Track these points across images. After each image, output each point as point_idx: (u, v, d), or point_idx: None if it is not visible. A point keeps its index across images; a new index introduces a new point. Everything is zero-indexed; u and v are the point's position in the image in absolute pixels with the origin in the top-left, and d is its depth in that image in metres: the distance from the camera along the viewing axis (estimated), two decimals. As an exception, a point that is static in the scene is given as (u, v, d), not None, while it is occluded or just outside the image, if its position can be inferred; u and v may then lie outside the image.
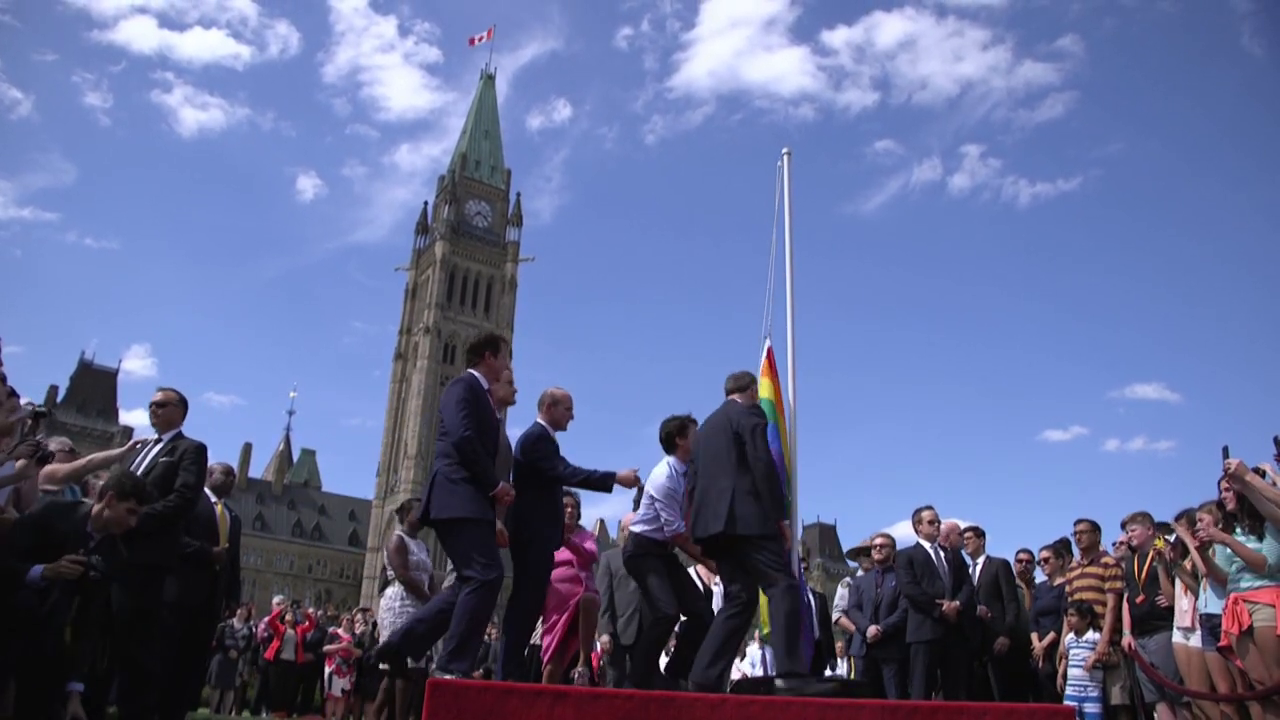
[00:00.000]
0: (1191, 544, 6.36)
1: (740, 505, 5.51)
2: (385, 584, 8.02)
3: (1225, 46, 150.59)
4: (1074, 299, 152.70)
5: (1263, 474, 5.68)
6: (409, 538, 7.93)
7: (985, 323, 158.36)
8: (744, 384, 6.13)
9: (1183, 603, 6.56)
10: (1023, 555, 9.38)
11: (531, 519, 5.60)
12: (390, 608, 7.75)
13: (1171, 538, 6.81)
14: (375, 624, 18.22)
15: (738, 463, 5.62)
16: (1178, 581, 6.63)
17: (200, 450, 6.26)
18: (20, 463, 5.29)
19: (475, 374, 5.56)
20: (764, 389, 6.68)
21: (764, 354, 6.68)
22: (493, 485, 5.24)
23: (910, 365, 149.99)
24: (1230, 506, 5.91)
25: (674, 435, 6.18)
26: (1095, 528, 8.09)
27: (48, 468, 5.71)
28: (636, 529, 6.12)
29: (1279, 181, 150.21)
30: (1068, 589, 8.02)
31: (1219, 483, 6.18)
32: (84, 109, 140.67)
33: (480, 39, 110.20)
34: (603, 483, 5.81)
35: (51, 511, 5.21)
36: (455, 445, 5.24)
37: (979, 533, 9.06)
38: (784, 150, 7.09)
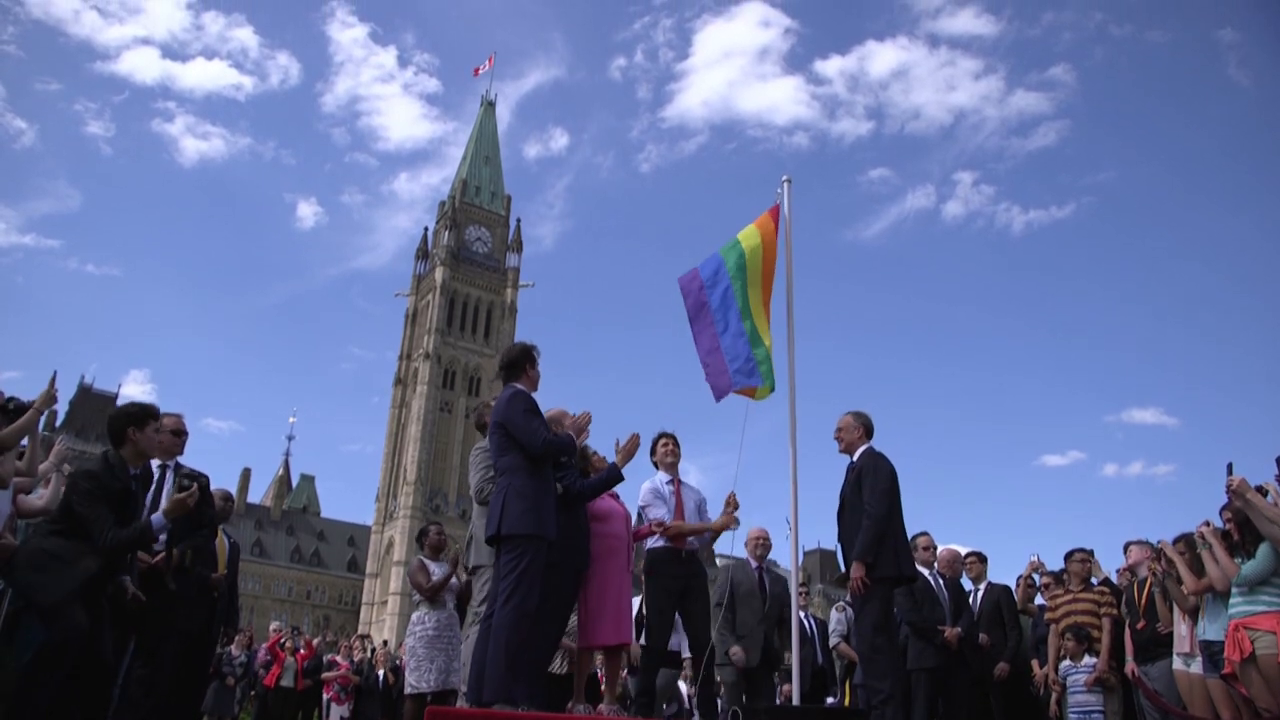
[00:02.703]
0: (1178, 560, 6.36)
1: None
2: (414, 609, 8.05)
3: (1213, 76, 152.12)
4: (1069, 324, 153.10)
5: (1265, 494, 5.66)
6: (430, 561, 7.94)
7: (981, 348, 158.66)
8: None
9: (1180, 628, 6.53)
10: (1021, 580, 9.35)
11: (556, 540, 5.55)
12: (412, 631, 7.76)
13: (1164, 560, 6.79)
14: (373, 650, 18.13)
15: None
16: (1174, 608, 6.60)
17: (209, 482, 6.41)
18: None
19: (521, 387, 5.55)
20: (748, 235, 6.81)
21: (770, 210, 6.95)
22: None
23: (907, 391, 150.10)
24: (1236, 537, 5.89)
25: (650, 455, 6.68)
26: (1089, 556, 8.07)
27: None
28: (648, 545, 6.39)
29: (1270, 205, 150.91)
30: (1050, 614, 7.99)
31: (1221, 511, 6.16)
32: (86, 138, 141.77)
33: (482, 68, 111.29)
34: (616, 476, 5.85)
35: (97, 475, 5.14)
36: (539, 452, 5.21)
37: (981, 558, 9.02)
38: (784, 178, 7.12)
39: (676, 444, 6.75)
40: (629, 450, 5.78)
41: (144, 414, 5.42)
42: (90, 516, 4.88)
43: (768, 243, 6.85)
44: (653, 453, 6.67)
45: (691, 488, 6.66)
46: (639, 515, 6.47)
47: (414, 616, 7.88)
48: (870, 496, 6.05)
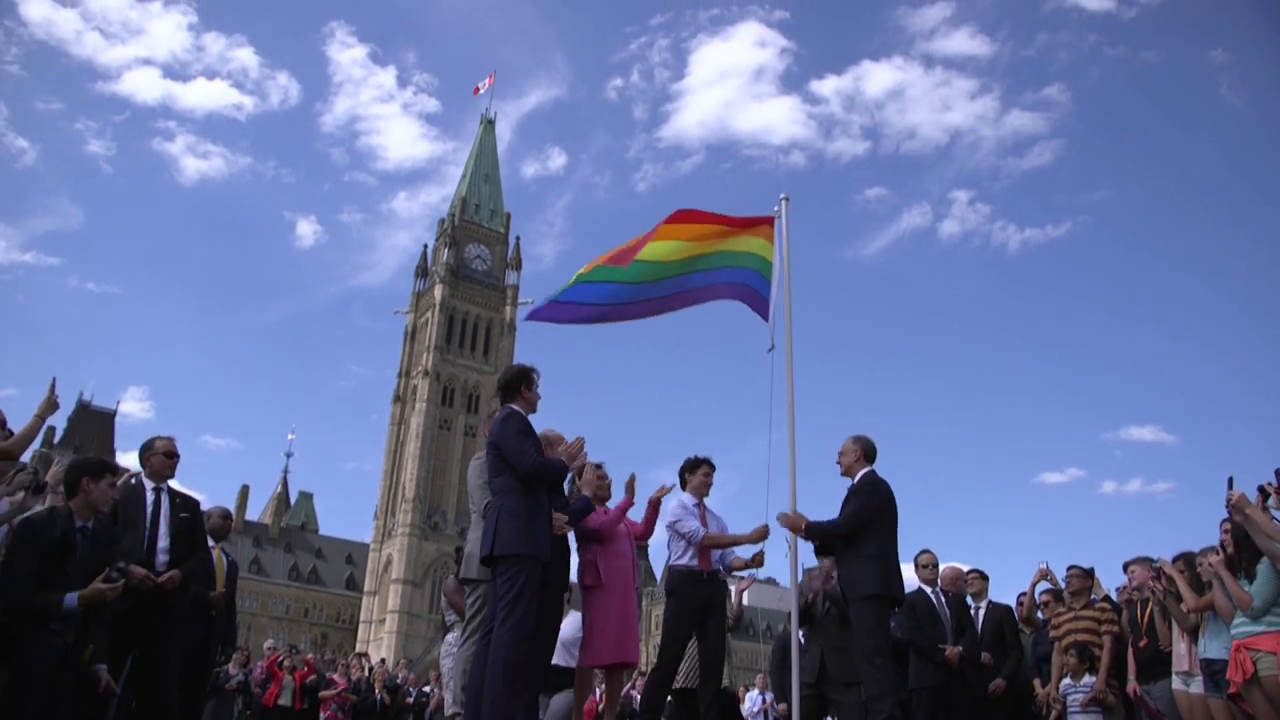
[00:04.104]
0: (1179, 577, 6.33)
1: None
2: (445, 629, 7.97)
3: (1206, 96, 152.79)
4: (1066, 342, 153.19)
5: (1267, 496, 5.61)
6: (459, 580, 7.91)
7: (979, 366, 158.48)
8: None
9: (1179, 647, 6.50)
10: (1024, 599, 9.32)
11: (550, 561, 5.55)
12: (450, 653, 7.70)
13: (1163, 578, 6.77)
14: (371, 669, 18.05)
15: None
16: (1174, 626, 6.58)
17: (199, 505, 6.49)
18: (20, 495, 5.30)
19: (517, 408, 5.55)
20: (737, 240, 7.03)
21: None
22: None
23: (905, 409, 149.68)
24: (1230, 550, 5.88)
25: (683, 471, 6.70)
26: (1085, 573, 8.05)
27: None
28: (670, 562, 6.45)
29: (1265, 222, 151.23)
30: (1054, 632, 7.97)
31: (1221, 524, 6.15)
32: (87, 157, 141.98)
33: (482, 86, 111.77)
34: (586, 508, 5.93)
35: (34, 526, 5.11)
36: (530, 473, 5.22)
37: (982, 575, 8.98)
38: (781, 196, 7.15)
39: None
40: (572, 453, 5.70)
41: (102, 467, 5.40)
42: (12, 565, 4.87)
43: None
44: (692, 472, 6.67)
45: (714, 514, 6.70)
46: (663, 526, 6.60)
47: (449, 638, 7.82)
48: (843, 513, 6.22)
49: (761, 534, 6.47)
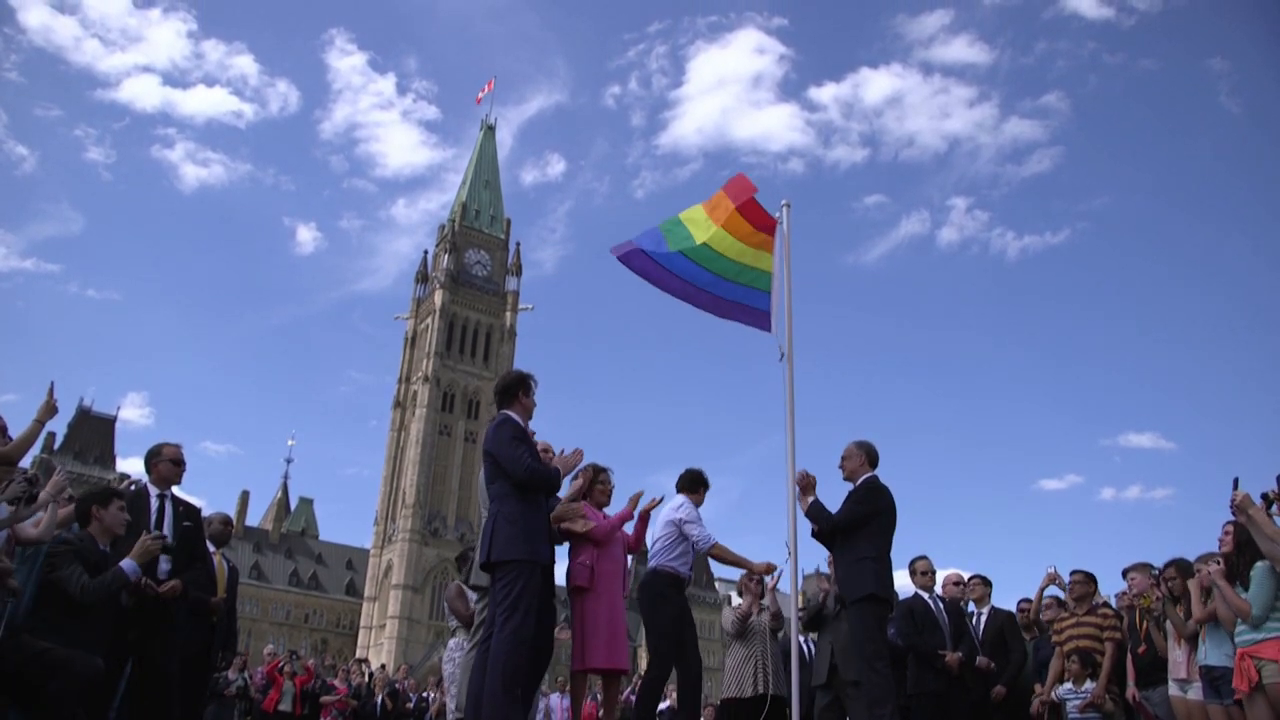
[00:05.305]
0: (1191, 587, 6.33)
1: None
2: (449, 634, 8.00)
3: (1205, 103, 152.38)
4: (1065, 349, 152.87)
5: (1270, 502, 5.59)
6: (468, 588, 7.92)
7: (977, 373, 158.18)
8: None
9: (1176, 654, 6.49)
10: (1025, 605, 9.30)
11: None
12: (452, 659, 7.72)
13: (1161, 589, 6.75)
14: (371, 675, 18.04)
15: None
16: (1170, 634, 6.57)
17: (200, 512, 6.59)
18: (11, 508, 5.32)
19: (512, 414, 5.55)
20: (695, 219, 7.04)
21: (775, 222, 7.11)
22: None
23: (904, 416, 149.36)
24: (1225, 548, 5.86)
25: (696, 483, 6.83)
26: (1088, 578, 8.03)
27: (61, 512, 5.75)
28: (654, 563, 6.43)
29: (1263, 229, 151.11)
30: (1056, 638, 7.95)
31: (1224, 526, 6.15)
32: (86, 164, 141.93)
33: (483, 93, 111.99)
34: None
35: (73, 540, 5.45)
36: (523, 479, 5.21)
37: (985, 581, 8.96)
38: (783, 202, 7.17)
39: None
40: (569, 464, 5.78)
41: (107, 494, 5.65)
42: (64, 576, 5.10)
43: (732, 222, 7.06)
44: (707, 488, 6.89)
45: None
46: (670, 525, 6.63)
47: (452, 643, 7.84)
48: (839, 510, 6.32)
49: (768, 569, 6.54)
